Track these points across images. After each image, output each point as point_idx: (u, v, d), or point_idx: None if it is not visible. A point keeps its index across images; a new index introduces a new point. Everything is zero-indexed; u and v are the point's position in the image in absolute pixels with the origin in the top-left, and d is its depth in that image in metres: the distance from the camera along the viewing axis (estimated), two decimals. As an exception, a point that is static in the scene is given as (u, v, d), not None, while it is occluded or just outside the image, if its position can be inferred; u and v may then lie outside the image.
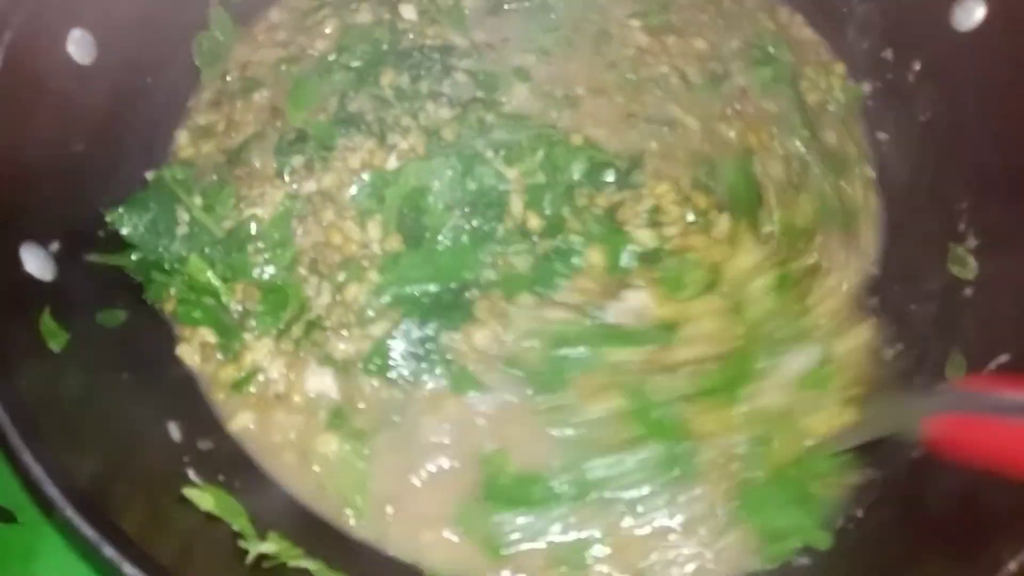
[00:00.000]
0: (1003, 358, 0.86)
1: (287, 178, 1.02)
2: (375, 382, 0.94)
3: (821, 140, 1.12)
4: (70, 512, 0.68)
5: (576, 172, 1.02)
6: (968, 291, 0.96)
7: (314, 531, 0.90)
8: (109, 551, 0.67)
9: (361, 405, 0.94)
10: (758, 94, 1.13)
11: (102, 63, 0.92)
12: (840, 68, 1.18)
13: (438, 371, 0.94)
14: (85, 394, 0.82)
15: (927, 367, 0.95)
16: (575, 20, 1.15)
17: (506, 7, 1.16)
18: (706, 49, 1.15)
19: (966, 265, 0.97)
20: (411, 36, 1.13)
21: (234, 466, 0.92)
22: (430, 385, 0.94)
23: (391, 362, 0.94)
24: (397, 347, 0.94)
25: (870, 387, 0.95)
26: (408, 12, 1.15)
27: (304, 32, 1.16)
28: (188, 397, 0.95)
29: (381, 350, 0.94)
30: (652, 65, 1.13)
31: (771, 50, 1.16)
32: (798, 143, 1.11)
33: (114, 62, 0.94)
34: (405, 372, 0.94)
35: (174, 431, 0.90)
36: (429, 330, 0.95)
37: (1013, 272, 0.91)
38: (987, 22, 0.96)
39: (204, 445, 0.92)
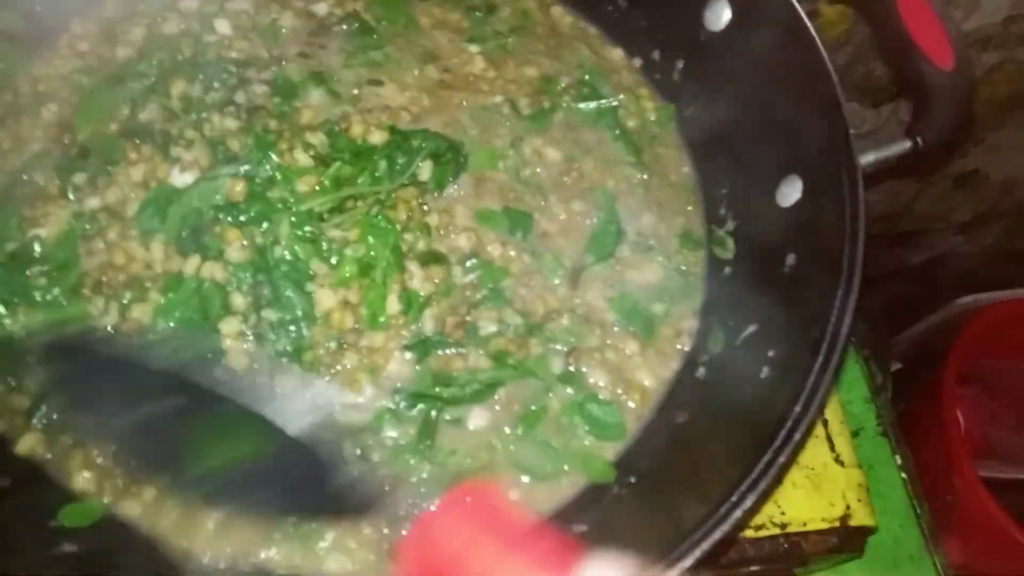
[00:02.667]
0: (751, 328, 0.95)
1: (71, 196, 1.01)
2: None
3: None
4: None
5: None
6: (727, 270, 1.05)
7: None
8: None
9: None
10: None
11: None
12: (645, 91, 1.21)
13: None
14: None
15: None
16: (403, 41, 1.17)
17: (334, 28, 1.17)
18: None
19: (726, 246, 1.06)
20: (215, 49, 1.12)
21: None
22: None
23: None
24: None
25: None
26: (222, 27, 1.15)
27: (108, 42, 1.14)
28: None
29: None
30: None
31: (598, 86, 1.18)
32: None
33: None
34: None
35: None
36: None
37: (761, 248, 1.01)
38: (733, 23, 1.06)
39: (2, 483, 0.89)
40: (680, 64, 1.15)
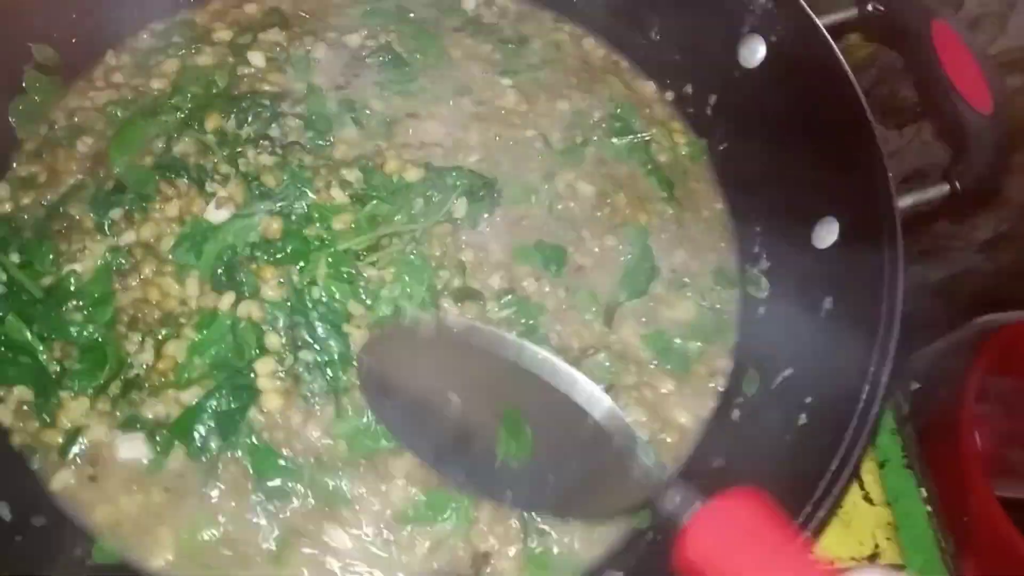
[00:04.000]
0: (787, 372, 0.95)
1: (107, 231, 1.01)
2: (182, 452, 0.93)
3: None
4: None
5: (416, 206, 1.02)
6: (762, 310, 1.05)
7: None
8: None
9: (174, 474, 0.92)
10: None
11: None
12: (678, 124, 1.20)
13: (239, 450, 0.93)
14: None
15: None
16: (435, 74, 1.17)
17: (367, 60, 1.17)
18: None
19: (759, 285, 1.06)
20: (248, 81, 1.13)
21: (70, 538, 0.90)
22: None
23: (197, 433, 0.92)
24: (205, 417, 0.92)
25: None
26: (256, 59, 1.15)
27: (143, 73, 1.15)
28: (16, 474, 0.92)
29: (188, 418, 0.92)
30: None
31: (630, 120, 1.17)
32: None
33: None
34: (212, 445, 0.92)
35: (3, 511, 0.87)
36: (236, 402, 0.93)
37: (796, 289, 1.00)
38: (767, 60, 1.06)
39: (38, 521, 0.90)
40: (713, 99, 1.15)
